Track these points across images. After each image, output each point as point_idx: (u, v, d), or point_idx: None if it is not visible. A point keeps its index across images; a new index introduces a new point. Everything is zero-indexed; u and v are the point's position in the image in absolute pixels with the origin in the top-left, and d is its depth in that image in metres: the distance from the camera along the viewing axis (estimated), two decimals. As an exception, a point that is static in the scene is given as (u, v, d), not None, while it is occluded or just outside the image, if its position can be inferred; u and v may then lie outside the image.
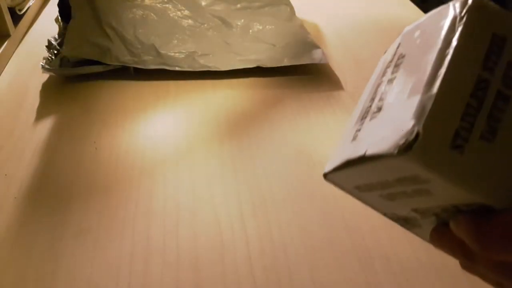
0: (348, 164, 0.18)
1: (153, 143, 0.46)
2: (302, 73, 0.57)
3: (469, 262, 0.18)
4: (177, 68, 0.55)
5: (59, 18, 0.60)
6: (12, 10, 0.66)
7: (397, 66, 0.19)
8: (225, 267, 0.34)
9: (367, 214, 0.38)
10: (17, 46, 0.64)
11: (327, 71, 0.58)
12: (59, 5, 0.59)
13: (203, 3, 0.65)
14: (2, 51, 0.59)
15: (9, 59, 0.61)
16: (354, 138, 0.19)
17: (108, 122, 0.49)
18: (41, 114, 0.50)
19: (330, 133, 0.48)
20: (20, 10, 0.69)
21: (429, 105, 0.15)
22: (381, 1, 0.78)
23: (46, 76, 0.56)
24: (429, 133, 0.15)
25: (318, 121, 0.49)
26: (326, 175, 0.21)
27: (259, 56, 0.57)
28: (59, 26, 0.60)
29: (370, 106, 0.20)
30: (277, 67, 0.56)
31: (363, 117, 0.20)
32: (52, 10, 0.75)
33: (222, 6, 0.65)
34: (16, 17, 0.67)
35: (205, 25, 0.61)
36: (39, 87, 0.54)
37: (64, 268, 0.34)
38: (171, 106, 0.52)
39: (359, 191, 0.20)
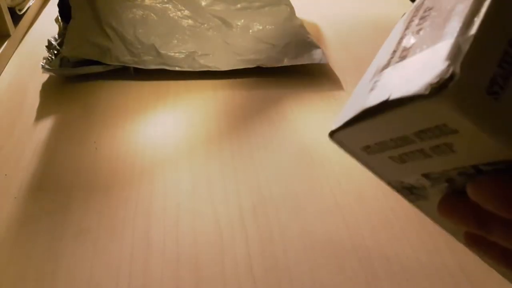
0: (365, 114, 0.16)
1: (153, 143, 0.46)
2: (302, 73, 0.57)
3: (482, 230, 0.17)
4: (177, 68, 0.55)
5: (59, 18, 0.60)
6: (12, 10, 0.66)
7: (423, 18, 0.18)
8: (225, 267, 0.34)
9: (367, 214, 0.39)
10: (17, 46, 0.64)
11: (327, 71, 0.58)
12: (59, 5, 0.59)
13: (203, 3, 0.65)
14: (2, 51, 0.59)
15: (9, 59, 0.61)
16: (373, 88, 0.17)
17: (108, 122, 0.49)
18: (41, 114, 0.50)
19: (330, 133, 0.48)
20: (20, 10, 0.69)
21: (466, 46, 0.14)
22: (381, 1, 0.78)
23: (46, 76, 0.56)
24: (466, 74, 0.14)
25: (318, 121, 0.49)
26: (333, 134, 0.19)
27: (259, 56, 0.57)
28: (59, 26, 0.60)
29: (391, 58, 0.18)
30: (277, 67, 0.56)
31: (383, 69, 0.18)
32: (52, 10, 0.75)
33: (222, 6, 0.65)
34: (16, 17, 0.67)
35: (205, 25, 0.61)
36: (39, 87, 0.54)
37: (64, 268, 0.34)
38: (171, 106, 0.52)
39: (367, 154, 0.19)
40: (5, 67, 0.59)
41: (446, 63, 0.14)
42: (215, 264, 0.34)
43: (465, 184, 0.17)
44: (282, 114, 0.50)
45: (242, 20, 0.63)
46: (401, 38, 0.18)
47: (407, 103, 0.15)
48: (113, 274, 0.33)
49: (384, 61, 0.18)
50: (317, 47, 0.58)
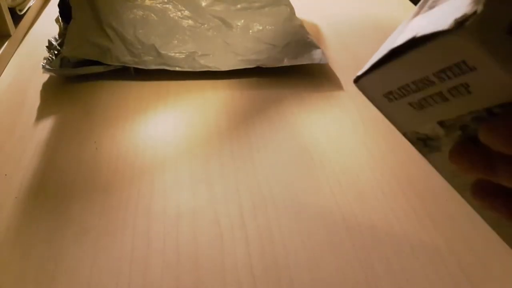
0: (392, 55, 0.17)
1: (153, 143, 0.46)
2: (302, 73, 0.57)
3: (489, 172, 0.17)
4: (177, 68, 0.56)
5: (60, 18, 0.60)
6: (12, 10, 0.66)
7: None
8: (225, 267, 0.34)
9: (367, 214, 0.39)
10: (18, 46, 0.65)
11: (327, 71, 0.58)
12: (59, 5, 0.59)
13: (203, 4, 0.65)
14: (2, 51, 0.59)
15: (10, 59, 0.61)
16: (401, 32, 0.18)
17: (109, 122, 0.49)
18: (41, 114, 0.50)
19: (330, 133, 0.48)
20: (20, 10, 0.69)
21: None
22: (382, 1, 0.78)
23: (46, 76, 0.56)
24: (488, 12, 0.15)
25: (318, 121, 0.49)
26: (358, 79, 0.20)
27: (259, 56, 0.57)
28: (60, 26, 0.60)
29: (421, 9, 0.19)
30: (277, 67, 0.56)
31: (413, 17, 0.19)
32: (52, 10, 0.75)
33: (222, 6, 0.65)
34: (17, 17, 0.67)
35: (205, 25, 0.62)
36: (39, 87, 0.54)
37: (64, 268, 0.34)
38: (171, 106, 0.52)
39: (388, 101, 0.19)
40: (5, 67, 0.59)
41: (471, 4, 0.15)
42: (215, 264, 0.34)
43: (477, 133, 0.17)
44: (282, 114, 0.50)
45: (242, 21, 0.63)
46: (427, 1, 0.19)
47: (432, 40, 0.16)
48: (113, 274, 0.34)
49: (413, 14, 0.19)
50: (317, 47, 0.59)
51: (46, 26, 0.70)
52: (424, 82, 0.18)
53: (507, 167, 0.17)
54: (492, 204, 0.19)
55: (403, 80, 0.18)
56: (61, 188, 0.41)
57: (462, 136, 0.19)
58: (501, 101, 0.16)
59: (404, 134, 0.21)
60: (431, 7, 0.18)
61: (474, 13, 0.15)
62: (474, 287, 0.33)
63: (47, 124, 0.49)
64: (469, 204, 0.21)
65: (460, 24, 0.15)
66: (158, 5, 0.62)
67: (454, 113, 0.18)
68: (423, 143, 0.21)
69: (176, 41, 0.59)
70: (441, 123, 0.19)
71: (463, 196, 0.21)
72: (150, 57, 0.56)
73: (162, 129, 0.48)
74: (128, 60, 0.55)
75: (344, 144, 0.46)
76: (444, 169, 0.21)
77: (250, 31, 0.61)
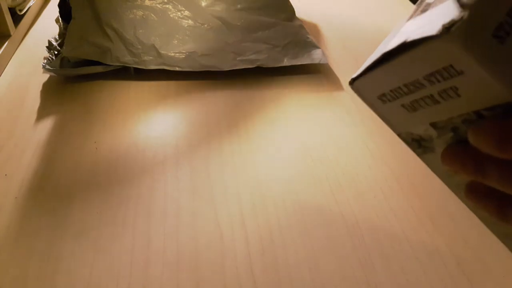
0: (384, 58, 0.18)
1: (153, 143, 0.46)
2: (302, 73, 0.57)
3: (479, 174, 0.18)
4: (177, 68, 0.56)
5: (60, 18, 0.60)
6: (12, 11, 0.66)
7: None
8: (225, 267, 0.34)
9: (367, 214, 0.39)
10: (18, 47, 0.65)
11: (327, 71, 0.58)
12: (59, 5, 0.59)
13: (203, 4, 0.65)
14: (2, 52, 0.59)
15: (10, 59, 0.61)
16: (394, 37, 0.18)
17: (109, 122, 0.49)
18: (41, 114, 0.50)
19: (330, 133, 0.48)
20: (20, 11, 0.69)
21: None
22: (382, 1, 0.78)
23: (46, 76, 0.56)
24: (475, 18, 0.15)
25: (318, 121, 0.49)
26: (353, 81, 0.20)
27: (259, 56, 0.57)
28: (60, 26, 0.60)
29: (414, 12, 0.19)
30: (277, 67, 0.56)
31: (406, 21, 0.19)
32: (52, 10, 0.75)
33: (222, 6, 0.65)
34: (17, 18, 0.67)
35: (205, 25, 0.62)
36: (39, 87, 0.54)
37: (64, 268, 0.34)
38: (171, 106, 0.52)
39: (382, 103, 0.20)
40: (5, 67, 0.59)
41: (459, 10, 0.15)
42: (215, 264, 0.34)
43: (467, 135, 0.18)
44: (282, 114, 0.50)
45: (242, 20, 0.63)
46: (422, 3, 0.20)
47: (420, 44, 0.16)
48: (113, 274, 0.34)
49: (409, 15, 0.19)
50: (317, 47, 0.59)
51: (46, 26, 0.70)
52: (415, 85, 0.18)
53: (495, 169, 0.17)
54: (484, 205, 0.19)
55: (395, 83, 0.19)
56: (61, 188, 0.41)
57: (454, 138, 0.19)
58: (489, 104, 0.17)
59: (399, 135, 0.21)
60: (423, 11, 0.18)
61: (461, 18, 0.15)
62: (474, 287, 0.33)
63: (47, 124, 0.49)
64: (463, 202, 0.22)
65: (447, 29, 0.15)
66: (158, 5, 0.62)
67: (445, 115, 0.18)
68: (418, 144, 0.21)
69: (176, 41, 0.59)
70: (433, 125, 0.19)
71: (458, 196, 0.22)
72: (150, 57, 0.56)
73: (162, 129, 0.48)
74: (128, 60, 0.55)
75: (344, 144, 0.46)
76: (438, 169, 0.21)
77: (250, 31, 0.61)
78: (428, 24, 0.16)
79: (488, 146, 0.17)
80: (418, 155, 0.22)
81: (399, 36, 0.18)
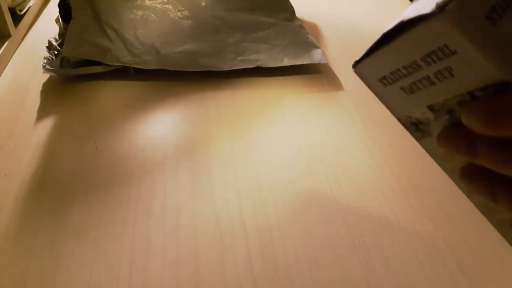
0: (384, 39, 0.19)
1: (153, 143, 0.46)
2: (302, 73, 0.57)
3: (471, 154, 0.19)
4: (177, 69, 0.56)
5: (60, 18, 0.60)
6: (12, 11, 0.66)
7: None
8: (225, 267, 0.34)
9: (367, 214, 0.39)
10: (18, 47, 0.65)
11: (327, 71, 0.58)
12: (59, 5, 0.59)
13: (203, 4, 0.65)
14: (2, 52, 0.59)
15: (10, 59, 0.61)
16: (395, 20, 0.19)
17: (109, 122, 0.49)
18: (41, 114, 0.50)
19: (330, 133, 0.48)
20: (20, 11, 0.69)
21: None
22: (382, 1, 0.78)
23: (46, 76, 0.56)
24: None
25: (318, 121, 0.49)
26: (357, 64, 0.22)
27: (259, 56, 0.57)
28: (60, 26, 0.60)
29: (414, 1, 0.20)
30: (277, 67, 0.56)
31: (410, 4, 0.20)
32: (52, 10, 0.75)
33: (222, 6, 0.65)
34: (17, 17, 0.67)
35: (205, 25, 0.62)
36: (39, 87, 0.54)
37: (64, 268, 0.34)
38: (171, 106, 0.52)
39: (383, 86, 0.21)
40: (5, 67, 0.59)
41: None
42: (215, 264, 0.34)
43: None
44: (282, 114, 0.50)
45: (242, 20, 0.63)
46: None
47: (416, 24, 0.17)
48: (113, 274, 0.34)
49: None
50: (317, 47, 0.59)
51: (46, 26, 0.70)
52: (413, 67, 0.19)
53: (486, 148, 0.18)
54: (477, 187, 0.20)
55: (395, 65, 0.20)
56: (61, 188, 0.41)
57: (449, 120, 0.20)
58: (482, 84, 0.17)
59: (399, 119, 0.22)
60: None
61: None
62: (474, 287, 0.33)
63: (47, 124, 0.49)
64: (459, 188, 0.22)
65: (442, 8, 0.16)
66: (158, 5, 0.62)
67: (441, 97, 0.19)
68: (416, 128, 0.22)
69: (176, 41, 0.59)
70: (430, 108, 0.20)
71: (453, 180, 0.22)
72: (150, 57, 0.56)
73: (162, 129, 0.48)
74: (128, 60, 0.55)
75: (344, 143, 0.46)
76: (435, 154, 0.22)
77: (250, 31, 0.61)
78: (425, 4, 0.17)
79: (479, 124, 0.18)
80: (417, 139, 0.22)
81: (399, 17, 0.18)
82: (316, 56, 0.57)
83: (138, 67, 0.55)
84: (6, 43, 0.61)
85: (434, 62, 0.18)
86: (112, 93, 0.54)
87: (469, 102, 0.18)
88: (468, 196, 0.23)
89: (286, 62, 0.56)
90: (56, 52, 0.57)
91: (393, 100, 0.21)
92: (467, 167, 0.20)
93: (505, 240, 0.23)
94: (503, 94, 0.17)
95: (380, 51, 0.20)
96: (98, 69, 0.55)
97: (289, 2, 0.66)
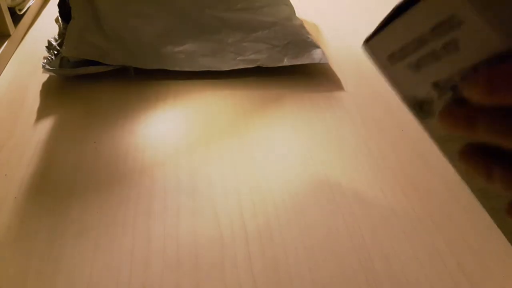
0: (395, 13, 0.20)
1: (153, 143, 0.46)
2: (302, 73, 0.57)
3: (470, 128, 0.19)
4: (177, 68, 0.55)
5: (59, 18, 0.60)
6: (12, 10, 0.66)
7: None
8: (225, 267, 0.34)
9: (367, 214, 0.39)
10: (17, 46, 0.64)
11: (327, 71, 0.58)
12: (59, 5, 0.59)
13: (203, 4, 0.65)
14: (2, 51, 0.59)
15: (9, 59, 0.61)
16: None
17: (109, 122, 0.49)
18: (41, 114, 0.50)
19: (330, 133, 0.48)
20: (20, 10, 0.69)
21: None
22: (382, 1, 0.78)
23: (46, 76, 0.56)
24: None
25: (318, 121, 0.49)
26: (368, 41, 0.22)
27: (259, 56, 0.57)
28: (59, 26, 0.60)
29: None
30: (277, 67, 0.56)
31: None
32: (52, 10, 0.75)
33: (222, 6, 0.65)
34: (16, 17, 0.67)
35: (205, 25, 0.61)
36: (39, 87, 0.54)
37: (64, 268, 0.34)
38: (171, 106, 0.52)
39: (391, 64, 0.22)
40: (5, 67, 0.59)
41: None
42: (215, 264, 0.34)
43: None
44: (282, 114, 0.50)
45: (242, 20, 0.63)
46: None
47: None
48: (113, 274, 0.34)
49: None
50: (317, 47, 0.59)
51: (46, 26, 0.70)
52: (421, 41, 0.20)
53: (487, 119, 0.19)
54: (475, 166, 0.21)
55: (404, 39, 0.20)
56: (61, 188, 0.40)
57: (453, 97, 0.20)
58: (486, 55, 0.18)
59: (404, 99, 0.23)
60: None
61: None
62: (474, 287, 0.33)
63: (47, 124, 0.48)
64: (457, 172, 0.23)
65: None
66: (158, 5, 0.62)
67: (446, 72, 0.20)
68: (420, 108, 0.22)
69: (176, 41, 0.58)
70: (435, 85, 0.21)
71: (452, 163, 0.23)
72: (150, 57, 0.56)
73: (162, 129, 0.48)
74: (128, 60, 0.55)
75: (344, 144, 0.46)
76: (436, 134, 0.23)
77: (250, 31, 0.61)
78: None
79: (479, 93, 0.18)
80: (420, 120, 0.23)
81: None
82: (316, 56, 0.57)
83: (138, 67, 0.55)
84: (6, 43, 0.61)
85: (441, 34, 0.18)
86: (112, 93, 0.54)
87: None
88: (466, 181, 0.23)
89: (286, 62, 0.56)
90: (55, 52, 0.57)
91: (400, 79, 0.22)
92: (466, 146, 0.21)
93: (500, 230, 0.24)
94: (503, 63, 0.17)
95: (392, 24, 0.20)
96: (98, 69, 0.55)
97: (289, 2, 0.66)
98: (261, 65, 0.56)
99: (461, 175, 0.23)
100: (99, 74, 0.55)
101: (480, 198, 0.23)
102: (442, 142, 0.23)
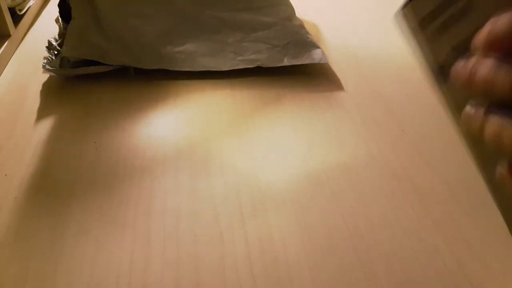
0: None
1: (153, 143, 0.46)
2: (302, 73, 0.57)
3: (485, 78, 0.19)
4: (177, 69, 0.55)
5: (60, 18, 0.60)
6: (12, 10, 0.66)
7: None
8: (225, 267, 0.34)
9: (367, 214, 0.39)
10: (17, 46, 0.64)
11: (327, 71, 0.58)
12: (59, 5, 0.59)
13: (203, 4, 0.64)
14: (2, 51, 0.59)
15: (10, 59, 0.61)
16: None
17: (108, 122, 0.49)
18: (41, 114, 0.50)
19: (330, 133, 0.48)
20: (20, 10, 0.69)
21: None
22: (382, 1, 0.78)
23: (46, 76, 0.56)
24: None
25: (318, 121, 0.49)
26: (403, 8, 0.23)
27: (259, 56, 0.57)
28: (60, 26, 0.60)
29: None
30: (277, 67, 0.56)
31: None
32: (52, 10, 0.75)
33: (222, 6, 0.65)
34: (17, 17, 0.67)
35: (205, 25, 0.61)
36: (39, 87, 0.54)
37: (64, 268, 0.34)
38: (171, 106, 0.52)
39: (421, 29, 0.23)
40: (5, 67, 0.59)
41: None
42: (215, 264, 0.34)
43: None
44: (282, 114, 0.50)
45: (242, 21, 0.63)
46: None
47: None
48: (113, 274, 0.34)
49: None
50: (317, 47, 0.59)
51: (46, 26, 0.70)
52: (445, 4, 0.21)
53: (502, 71, 0.19)
54: (483, 129, 0.20)
55: (433, 3, 0.22)
56: (61, 188, 0.41)
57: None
58: (499, 8, 0.18)
59: (428, 64, 0.24)
60: None
61: None
62: (474, 287, 0.33)
63: (47, 124, 0.49)
64: (464, 139, 0.23)
65: None
66: (158, 5, 0.62)
67: (463, 34, 0.21)
68: (440, 73, 0.23)
69: (176, 41, 0.58)
70: (454, 48, 0.22)
71: (464, 140, 0.23)
72: (150, 57, 0.56)
73: (162, 129, 0.48)
74: (127, 60, 0.55)
75: (344, 144, 0.46)
76: (451, 99, 0.23)
77: (250, 31, 0.61)
78: None
79: (487, 42, 0.18)
80: (439, 84, 0.24)
81: None
82: (316, 56, 0.57)
83: (138, 67, 0.55)
84: (6, 43, 0.61)
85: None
86: (112, 93, 0.54)
87: None
88: (472, 150, 0.23)
89: (286, 62, 0.56)
90: (56, 52, 0.57)
91: (427, 45, 0.23)
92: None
93: (507, 226, 0.23)
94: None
95: None
96: (98, 69, 0.55)
97: (289, 2, 0.66)
98: (261, 65, 0.56)
99: (467, 144, 0.23)
100: (99, 74, 0.55)
101: (481, 170, 0.23)
102: (454, 108, 0.23)
